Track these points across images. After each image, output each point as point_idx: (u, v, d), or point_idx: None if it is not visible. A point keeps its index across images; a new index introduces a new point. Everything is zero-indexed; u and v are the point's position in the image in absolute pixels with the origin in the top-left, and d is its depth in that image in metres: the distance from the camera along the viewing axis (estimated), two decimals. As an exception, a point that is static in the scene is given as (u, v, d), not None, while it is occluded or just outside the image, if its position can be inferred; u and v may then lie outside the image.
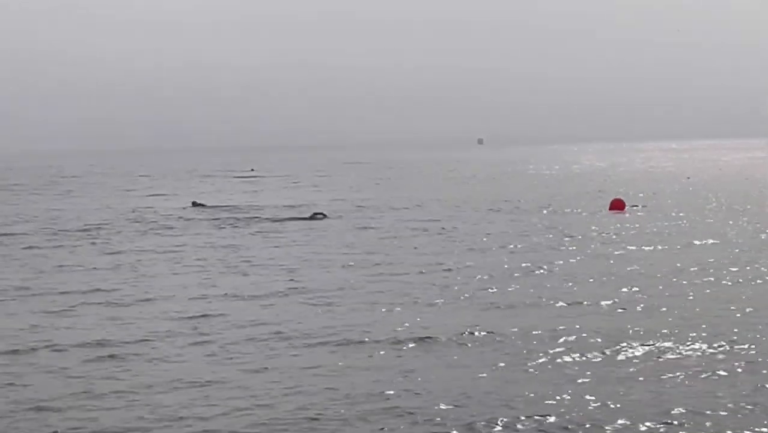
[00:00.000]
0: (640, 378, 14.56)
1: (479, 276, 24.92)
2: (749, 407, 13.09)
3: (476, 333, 17.69)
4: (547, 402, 13.36)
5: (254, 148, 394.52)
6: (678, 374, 14.74)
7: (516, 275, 25.16)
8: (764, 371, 14.83)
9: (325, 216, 45.27)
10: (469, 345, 16.89)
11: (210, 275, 26.42)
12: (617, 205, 47.32)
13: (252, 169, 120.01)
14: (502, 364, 15.45)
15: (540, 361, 15.63)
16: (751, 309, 19.77)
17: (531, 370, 15.10)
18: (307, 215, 45.57)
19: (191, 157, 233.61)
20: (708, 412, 12.88)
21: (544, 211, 46.62)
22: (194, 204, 55.59)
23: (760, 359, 15.56)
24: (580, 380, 14.47)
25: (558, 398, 13.55)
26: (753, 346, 16.48)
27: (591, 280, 24.15)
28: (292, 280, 25.07)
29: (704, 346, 16.54)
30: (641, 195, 58.00)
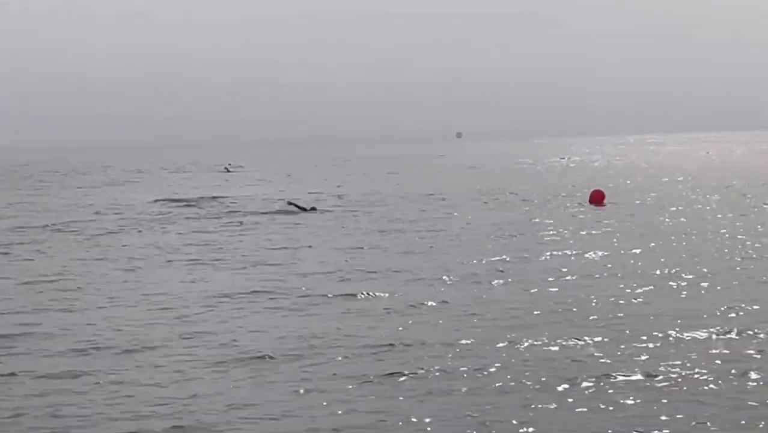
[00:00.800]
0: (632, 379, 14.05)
1: (458, 274, 24.19)
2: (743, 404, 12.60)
3: (460, 340, 17.09)
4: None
5: (242, 144, 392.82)
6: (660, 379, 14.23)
7: (493, 272, 24.54)
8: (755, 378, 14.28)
9: (315, 209, 44.62)
10: (455, 350, 16.32)
11: (193, 272, 25.79)
12: (597, 198, 46.83)
13: (229, 164, 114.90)
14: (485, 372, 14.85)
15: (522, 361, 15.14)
16: (728, 302, 19.29)
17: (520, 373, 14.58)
18: (294, 209, 44.87)
19: (184, 153, 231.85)
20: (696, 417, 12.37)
21: (525, 207, 46.26)
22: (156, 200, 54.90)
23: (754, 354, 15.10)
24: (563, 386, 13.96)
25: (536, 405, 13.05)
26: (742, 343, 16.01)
27: (569, 275, 23.56)
28: (271, 279, 24.37)
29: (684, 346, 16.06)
30: (622, 188, 57.74)
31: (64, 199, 57.89)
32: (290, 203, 45.46)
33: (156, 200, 53.77)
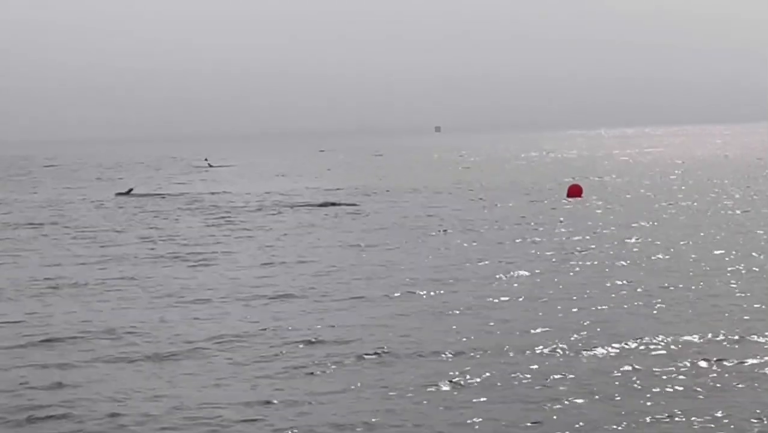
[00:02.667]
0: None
1: (433, 270, 23.28)
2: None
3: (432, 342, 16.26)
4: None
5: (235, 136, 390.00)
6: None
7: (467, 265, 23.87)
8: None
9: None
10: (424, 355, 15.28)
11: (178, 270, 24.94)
12: (575, 192, 45.99)
13: (206, 160, 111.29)
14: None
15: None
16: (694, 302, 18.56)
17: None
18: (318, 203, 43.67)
19: (177, 147, 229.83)
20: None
21: (501, 199, 45.51)
22: (128, 192, 53.77)
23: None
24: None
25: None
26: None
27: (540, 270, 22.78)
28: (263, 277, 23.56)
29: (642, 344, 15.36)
30: (598, 180, 57.09)
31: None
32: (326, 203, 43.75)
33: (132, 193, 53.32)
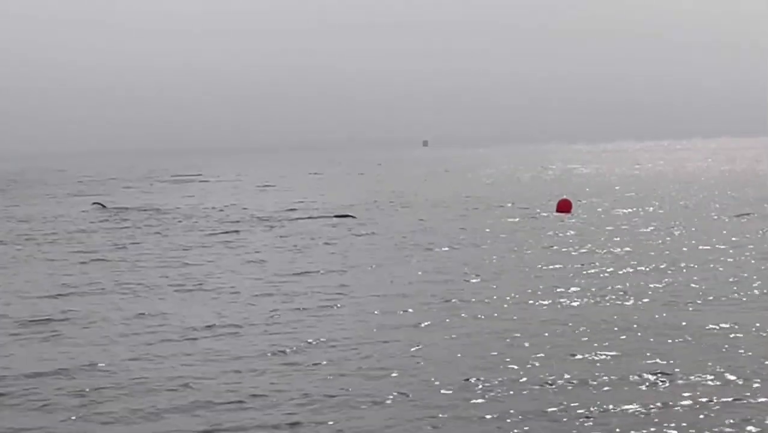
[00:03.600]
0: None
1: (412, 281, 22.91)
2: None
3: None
4: None
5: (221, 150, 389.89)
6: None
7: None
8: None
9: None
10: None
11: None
12: (564, 207, 45.23)
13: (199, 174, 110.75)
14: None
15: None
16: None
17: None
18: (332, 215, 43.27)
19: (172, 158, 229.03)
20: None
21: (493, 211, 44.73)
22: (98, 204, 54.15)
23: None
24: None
25: None
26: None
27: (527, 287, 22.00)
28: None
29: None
30: (589, 195, 56.45)
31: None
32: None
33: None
